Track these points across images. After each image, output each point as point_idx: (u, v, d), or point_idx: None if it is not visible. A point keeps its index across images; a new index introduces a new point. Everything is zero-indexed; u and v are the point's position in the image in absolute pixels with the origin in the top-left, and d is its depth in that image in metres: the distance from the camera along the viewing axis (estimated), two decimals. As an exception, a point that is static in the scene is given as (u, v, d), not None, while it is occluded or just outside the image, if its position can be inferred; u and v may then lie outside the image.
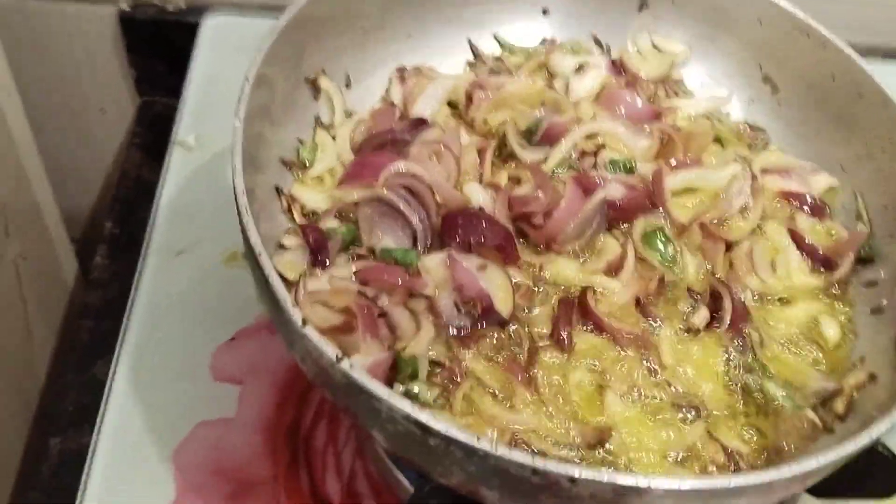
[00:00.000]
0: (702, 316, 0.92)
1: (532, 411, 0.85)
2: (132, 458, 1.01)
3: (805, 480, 0.77)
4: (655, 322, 0.92)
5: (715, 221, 1.00)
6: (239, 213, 0.77)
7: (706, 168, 1.03)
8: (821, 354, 0.95)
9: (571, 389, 0.87)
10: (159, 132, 1.40)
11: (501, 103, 1.06)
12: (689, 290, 0.95)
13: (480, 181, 0.99)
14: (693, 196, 1.02)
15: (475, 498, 0.76)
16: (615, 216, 0.98)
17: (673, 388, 0.89)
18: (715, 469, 0.84)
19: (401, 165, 0.93)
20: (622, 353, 0.90)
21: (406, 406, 0.68)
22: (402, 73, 1.10)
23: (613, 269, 0.95)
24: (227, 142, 0.81)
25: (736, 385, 0.90)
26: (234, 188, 0.78)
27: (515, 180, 1.00)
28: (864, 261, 1.00)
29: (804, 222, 1.03)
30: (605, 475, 0.68)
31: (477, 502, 0.77)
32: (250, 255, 0.76)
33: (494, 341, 0.88)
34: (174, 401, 1.05)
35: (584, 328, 0.91)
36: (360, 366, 0.76)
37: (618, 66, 1.13)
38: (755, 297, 0.97)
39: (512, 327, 0.89)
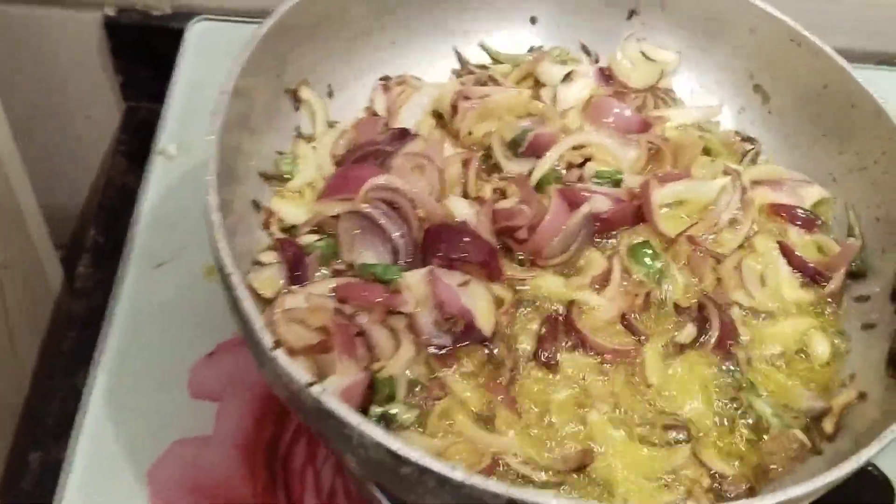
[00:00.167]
0: (688, 333, 0.91)
1: (514, 433, 0.83)
2: (106, 475, 0.98)
3: (791, 507, 0.75)
4: (641, 339, 0.90)
5: (703, 235, 0.98)
6: (210, 232, 0.75)
7: (695, 180, 1.01)
8: (810, 372, 0.92)
9: (554, 410, 0.85)
10: (144, 138, 1.37)
11: (487, 114, 1.04)
12: (676, 305, 0.93)
13: (464, 194, 0.98)
14: (681, 209, 1.00)
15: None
16: (601, 230, 0.96)
17: (658, 408, 0.87)
18: (700, 492, 0.82)
19: (381, 179, 0.91)
20: (607, 371, 0.88)
21: (377, 434, 0.66)
22: (386, 82, 1.08)
23: (599, 285, 0.93)
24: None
25: (723, 404, 0.89)
26: (207, 205, 0.75)
27: (500, 193, 0.98)
28: (855, 275, 0.98)
29: (795, 236, 1.01)
30: (582, 505, 0.66)
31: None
32: (221, 274, 0.74)
33: (476, 360, 0.87)
34: (151, 417, 1.02)
35: (569, 346, 0.89)
36: (335, 388, 0.75)
37: (606, 75, 1.11)
38: (744, 313, 0.95)
39: (494, 345, 0.87)
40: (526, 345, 0.89)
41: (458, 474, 0.65)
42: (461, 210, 0.94)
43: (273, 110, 0.96)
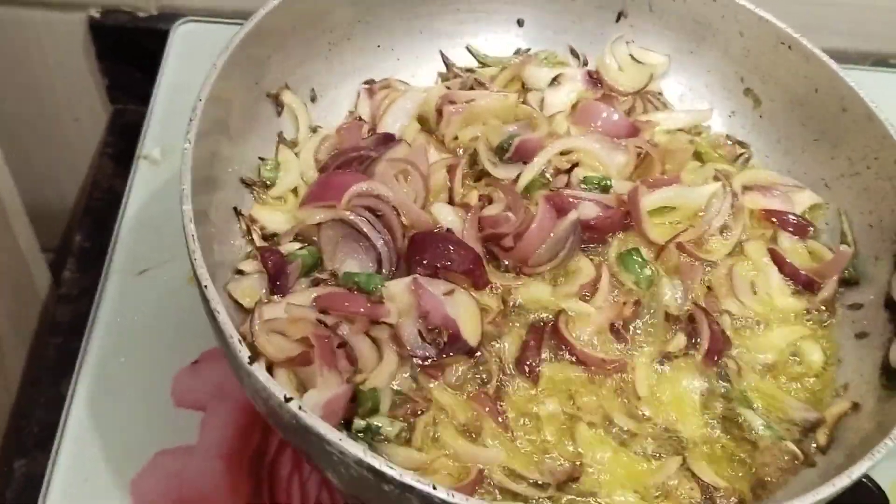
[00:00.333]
0: (678, 343, 0.89)
1: (500, 446, 0.81)
2: (89, 486, 0.97)
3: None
4: (630, 349, 0.89)
5: (693, 242, 0.96)
6: (187, 242, 0.73)
7: (685, 186, 0.99)
8: (803, 382, 0.91)
9: (542, 422, 0.84)
10: (131, 141, 1.36)
11: (473, 118, 1.02)
12: (665, 314, 0.92)
13: (450, 201, 0.96)
14: (671, 215, 0.99)
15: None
16: (590, 237, 0.95)
17: (648, 419, 0.85)
18: (690, 507, 0.81)
19: (365, 186, 0.89)
20: (595, 382, 0.87)
21: (359, 451, 0.64)
22: (370, 86, 1.07)
23: (587, 293, 0.92)
24: (193, 154, 0.78)
25: (714, 415, 0.87)
26: (183, 215, 0.74)
27: (486, 199, 0.96)
28: (848, 283, 0.97)
29: (786, 242, 0.99)
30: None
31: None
32: (198, 285, 0.72)
33: (461, 371, 0.85)
34: (134, 427, 1.01)
35: (556, 356, 0.88)
36: (315, 402, 0.73)
37: (594, 78, 1.10)
38: (735, 321, 0.93)
39: (480, 356, 0.86)
40: (513, 355, 0.87)
41: (440, 493, 0.63)
42: (446, 217, 0.92)
43: (254, 115, 0.95)
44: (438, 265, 0.87)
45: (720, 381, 0.88)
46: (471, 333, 0.84)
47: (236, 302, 0.85)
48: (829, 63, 1.00)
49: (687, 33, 1.10)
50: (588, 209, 0.94)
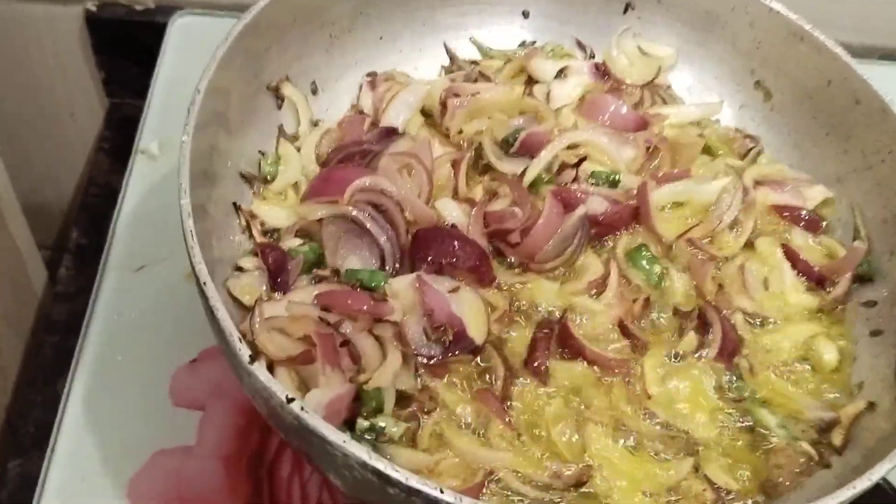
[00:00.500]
0: (689, 341, 0.87)
1: (508, 447, 0.79)
2: (85, 488, 0.95)
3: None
4: (640, 347, 0.87)
5: (704, 237, 0.95)
6: (185, 238, 0.71)
7: (694, 180, 0.98)
8: (817, 380, 0.89)
9: (550, 422, 0.82)
10: (128, 136, 1.34)
11: (477, 111, 1.01)
12: (676, 312, 0.90)
13: (454, 196, 0.94)
14: (681, 210, 0.97)
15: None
16: (597, 233, 0.93)
17: (658, 420, 0.83)
18: (703, 510, 0.79)
19: (367, 180, 0.87)
20: (604, 381, 0.85)
21: (363, 453, 0.62)
22: (372, 78, 1.05)
23: (596, 290, 0.90)
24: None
25: (726, 415, 0.85)
26: (181, 210, 0.72)
27: (492, 194, 0.94)
28: (862, 279, 0.95)
29: (799, 238, 0.97)
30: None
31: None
32: (196, 282, 0.70)
33: (467, 370, 0.83)
34: (131, 427, 0.99)
35: (564, 354, 0.86)
36: (317, 402, 0.71)
37: (601, 71, 1.08)
38: (746, 319, 0.91)
39: (487, 355, 0.84)
40: (520, 354, 0.85)
41: (447, 497, 0.61)
42: (451, 212, 0.91)
43: (253, 109, 0.93)
44: (443, 262, 0.85)
45: (732, 381, 0.86)
46: (477, 332, 0.83)
47: (236, 299, 0.83)
48: (842, 55, 0.98)
49: (695, 25, 1.08)
50: (596, 204, 0.92)
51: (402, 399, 0.80)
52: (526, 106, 1.02)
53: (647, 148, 0.99)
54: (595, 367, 0.85)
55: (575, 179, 0.95)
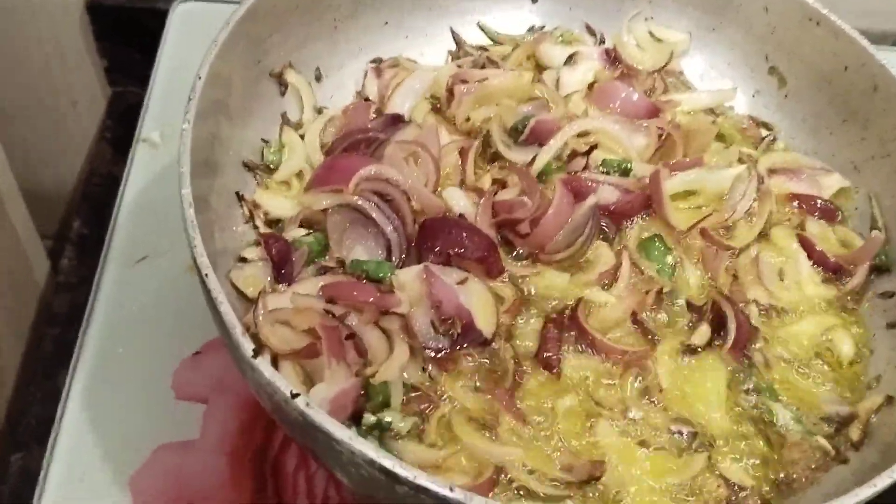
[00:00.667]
0: (703, 334, 0.85)
1: (518, 442, 0.78)
2: (86, 483, 0.94)
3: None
4: (653, 340, 0.85)
5: (717, 227, 0.93)
6: (186, 228, 0.69)
7: (708, 168, 0.96)
8: (833, 374, 0.87)
9: (561, 417, 0.80)
10: (130, 125, 1.33)
11: (485, 98, 0.98)
12: (689, 303, 0.88)
13: (462, 185, 0.92)
14: (694, 199, 0.95)
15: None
16: (609, 222, 0.91)
17: (672, 415, 0.81)
18: (717, 506, 0.77)
19: (373, 169, 0.85)
20: (616, 374, 0.83)
21: (370, 450, 0.60)
22: (378, 65, 1.03)
23: (607, 281, 0.88)
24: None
25: (740, 409, 0.83)
26: (182, 199, 0.70)
27: (500, 183, 0.92)
28: (879, 270, 0.93)
29: (814, 228, 0.95)
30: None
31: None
32: (198, 274, 0.68)
33: (476, 363, 0.81)
34: (133, 421, 0.98)
35: (575, 347, 0.84)
36: (323, 397, 0.69)
37: (612, 57, 1.06)
38: (761, 311, 0.89)
39: (495, 347, 0.82)
40: (530, 347, 0.83)
41: (457, 495, 0.59)
42: (458, 202, 0.89)
43: (256, 96, 0.91)
44: (451, 252, 0.83)
45: (747, 374, 0.84)
46: (485, 324, 0.81)
47: (239, 291, 0.82)
48: (860, 40, 0.96)
49: (708, 9, 1.06)
50: (607, 193, 0.90)
51: (410, 393, 0.79)
52: (535, 93, 1.00)
53: (659, 135, 0.97)
54: (606, 360, 0.83)
55: (585, 168, 0.93)
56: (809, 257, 0.93)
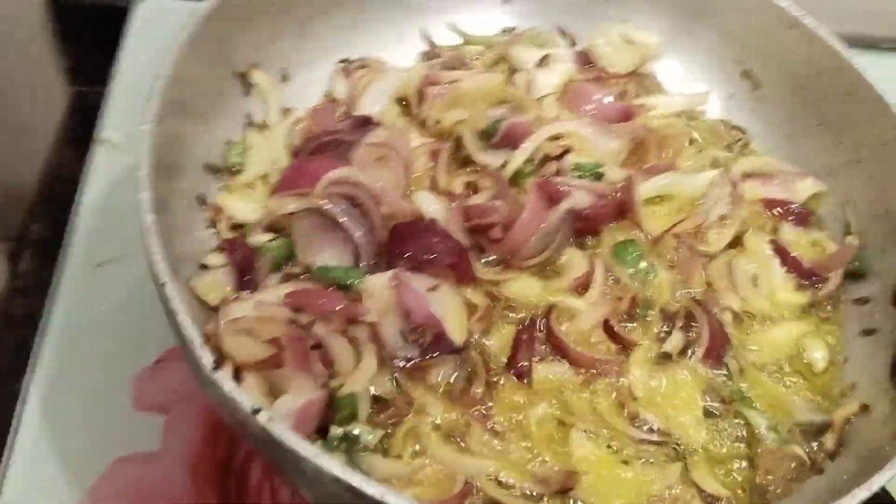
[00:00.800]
0: (676, 341, 0.84)
1: (489, 453, 0.76)
2: (43, 496, 0.91)
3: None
4: (626, 348, 0.83)
5: (691, 232, 0.91)
6: (143, 234, 0.67)
7: (681, 173, 0.95)
8: (807, 381, 0.86)
9: (533, 426, 0.78)
10: (92, 126, 1.30)
11: (457, 101, 0.97)
12: (662, 310, 0.86)
13: (433, 189, 0.91)
14: (667, 204, 0.94)
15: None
16: (582, 228, 0.89)
17: (645, 423, 0.80)
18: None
19: (341, 172, 0.83)
20: (589, 383, 0.82)
21: (335, 467, 0.58)
22: (346, 65, 1.01)
23: (580, 288, 0.87)
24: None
25: (715, 418, 0.82)
26: (140, 204, 0.67)
27: (472, 187, 0.91)
28: (854, 276, 0.93)
29: (788, 233, 0.95)
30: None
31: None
32: (155, 283, 0.66)
33: (447, 373, 0.79)
34: (92, 432, 0.95)
35: (548, 355, 0.82)
36: (287, 411, 0.67)
37: (585, 59, 1.05)
38: (735, 317, 0.88)
39: (467, 357, 0.80)
40: (501, 355, 0.82)
41: (425, 513, 0.57)
42: (429, 206, 0.87)
43: (219, 96, 0.89)
44: (421, 258, 0.82)
45: (721, 382, 0.83)
46: (456, 332, 0.79)
47: (200, 299, 0.79)
48: (834, 44, 0.95)
49: (682, 12, 1.05)
50: (580, 198, 0.88)
51: (378, 404, 0.77)
52: (507, 95, 0.98)
53: (633, 139, 0.96)
54: (580, 369, 0.82)
55: (558, 172, 0.91)
56: (783, 263, 0.92)
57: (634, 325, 0.86)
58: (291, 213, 0.83)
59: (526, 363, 0.81)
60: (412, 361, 0.77)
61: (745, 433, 0.81)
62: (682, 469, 0.78)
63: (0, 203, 1.63)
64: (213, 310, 0.78)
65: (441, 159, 0.92)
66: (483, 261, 0.87)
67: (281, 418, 0.61)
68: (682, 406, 0.82)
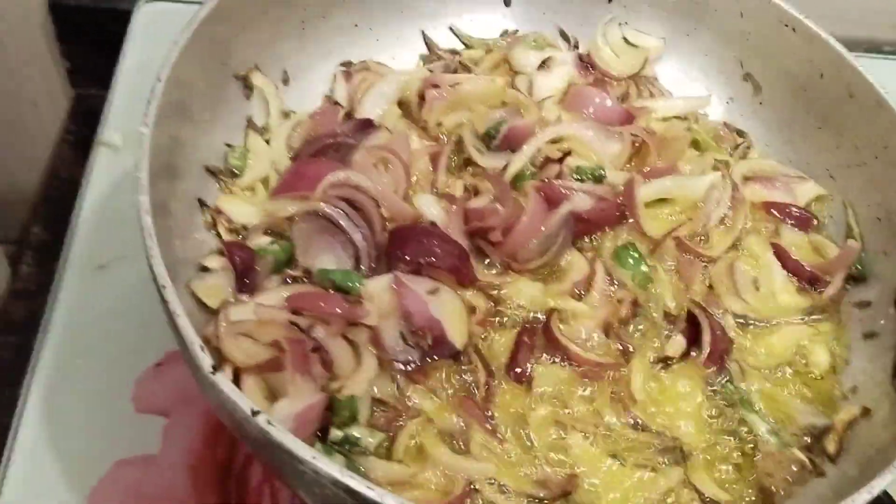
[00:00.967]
0: (677, 344, 0.84)
1: (489, 457, 0.76)
2: (42, 499, 0.90)
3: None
4: (627, 351, 0.83)
5: (692, 236, 0.91)
6: (143, 237, 0.66)
7: (682, 176, 0.94)
8: (809, 384, 0.86)
9: (533, 430, 0.78)
10: (93, 128, 1.30)
11: (457, 103, 0.97)
12: (664, 314, 0.86)
13: (433, 191, 0.91)
14: (668, 207, 0.93)
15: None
16: (583, 230, 0.89)
17: (646, 427, 0.80)
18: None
19: (341, 175, 0.83)
20: (589, 386, 0.81)
21: (334, 470, 0.58)
22: (347, 68, 1.01)
23: (581, 290, 0.86)
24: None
25: (716, 421, 0.82)
26: (139, 206, 0.67)
27: (472, 190, 0.91)
28: (855, 279, 0.92)
29: (789, 236, 0.95)
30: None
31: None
32: (155, 285, 0.66)
33: (447, 376, 0.79)
34: (92, 435, 0.94)
35: (548, 358, 0.82)
36: (286, 414, 0.67)
37: (586, 62, 1.04)
38: (737, 321, 0.88)
39: (467, 360, 0.80)
40: (502, 358, 0.81)
41: (425, 516, 0.57)
42: (429, 209, 0.87)
43: (220, 98, 0.89)
44: (422, 261, 0.81)
45: (722, 385, 0.83)
46: (457, 335, 0.79)
47: (200, 301, 0.79)
48: (836, 46, 0.95)
49: (683, 14, 1.05)
50: (581, 201, 0.88)
51: (378, 407, 0.76)
52: (508, 98, 0.98)
53: (633, 142, 0.96)
54: (580, 372, 0.82)
55: (559, 175, 0.91)
56: (784, 266, 0.92)
57: (635, 328, 0.85)
58: (291, 216, 0.83)
59: (526, 366, 0.80)
60: (412, 364, 0.78)
61: (746, 437, 0.81)
62: (682, 472, 0.78)
63: (1, 206, 1.63)
64: (213, 312, 0.78)
65: (441, 162, 0.92)
66: (483, 264, 0.87)
67: (280, 420, 0.61)
68: (682, 409, 0.81)
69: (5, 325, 1.24)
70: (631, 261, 0.88)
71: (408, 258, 0.81)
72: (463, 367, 0.80)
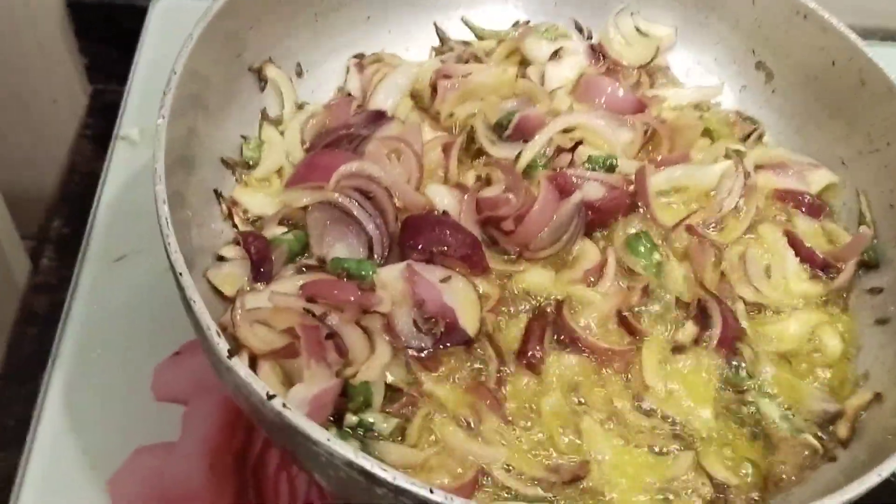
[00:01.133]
0: (689, 332, 0.84)
1: (502, 442, 0.76)
2: (64, 486, 0.92)
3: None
4: (638, 338, 0.83)
5: (704, 224, 0.91)
6: (160, 226, 0.68)
7: (694, 165, 0.95)
8: (821, 371, 0.86)
9: (545, 416, 0.79)
10: (111, 123, 1.31)
11: (469, 94, 0.97)
12: (675, 301, 0.86)
13: (445, 181, 0.91)
14: (680, 196, 0.94)
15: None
16: (594, 219, 0.89)
17: (657, 413, 0.80)
18: (702, 504, 0.76)
19: (355, 166, 0.84)
20: (601, 373, 0.82)
21: (348, 452, 0.59)
22: (360, 60, 1.02)
23: (593, 278, 0.87)
24: (175, 134, 0.73)
25: (727, 407, 0.82)
26: (156, 196, 0.68)
27: (484, 180, 0.91)
28: (867, 266, 0.92)
29: (802, 224, 0.94)
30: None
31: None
32: (173, 273, 0.67)
33: (459, 362, 0.80)
34: (112, 423, 0.96)
35: (559, 345, 0.82)
36: (302, 399, 0.68)
37: (597, 52, 1.04)
38: (748, 308, 0.88)
39: (479, 346, 0.81)
40: (514, 345, 0.82)
41: (437, 497, 0.58)
42: (442, 199, 0.87)
43: (234, 91, 0.90)
44: (434, 250, 0.82)
45: (734, 371, 0.83)
46: (469, 323, 0.80)
47: (217, 290, 0.80)
48: (848, 34, 0.95)
49: (695, 3, 1.05)
50: (593, 190, 0.89)
51: (392, 393, 0.77)
52: (520, 88, 0.99)
53: (645, 131, 0.96)
54: (592, 359, 0.82)
55: (571, 164, 0.92)
56: (796, 254, 0.92)
57: (647, 315, 0.86)
58: (306, 206, 0.84)
59: (537, 354, 0.81)
60: (425, 351, 0.78)
61: (757, 422, 0.81)
62: (693, 457, 0.78)
63: (21, 201, 1.64)
64: (230, 300, 0.79)
65: (453, 152, 0.92)
66: (495, 252, 0.87)
67: (295, 404, 0.62)
68: (694, 395, 0.82)
69: (27, 318, 1.26)
70: (643, 249, 0.88)
71: (420, 247, 0.82)
72: (475, 354, 0.80)
